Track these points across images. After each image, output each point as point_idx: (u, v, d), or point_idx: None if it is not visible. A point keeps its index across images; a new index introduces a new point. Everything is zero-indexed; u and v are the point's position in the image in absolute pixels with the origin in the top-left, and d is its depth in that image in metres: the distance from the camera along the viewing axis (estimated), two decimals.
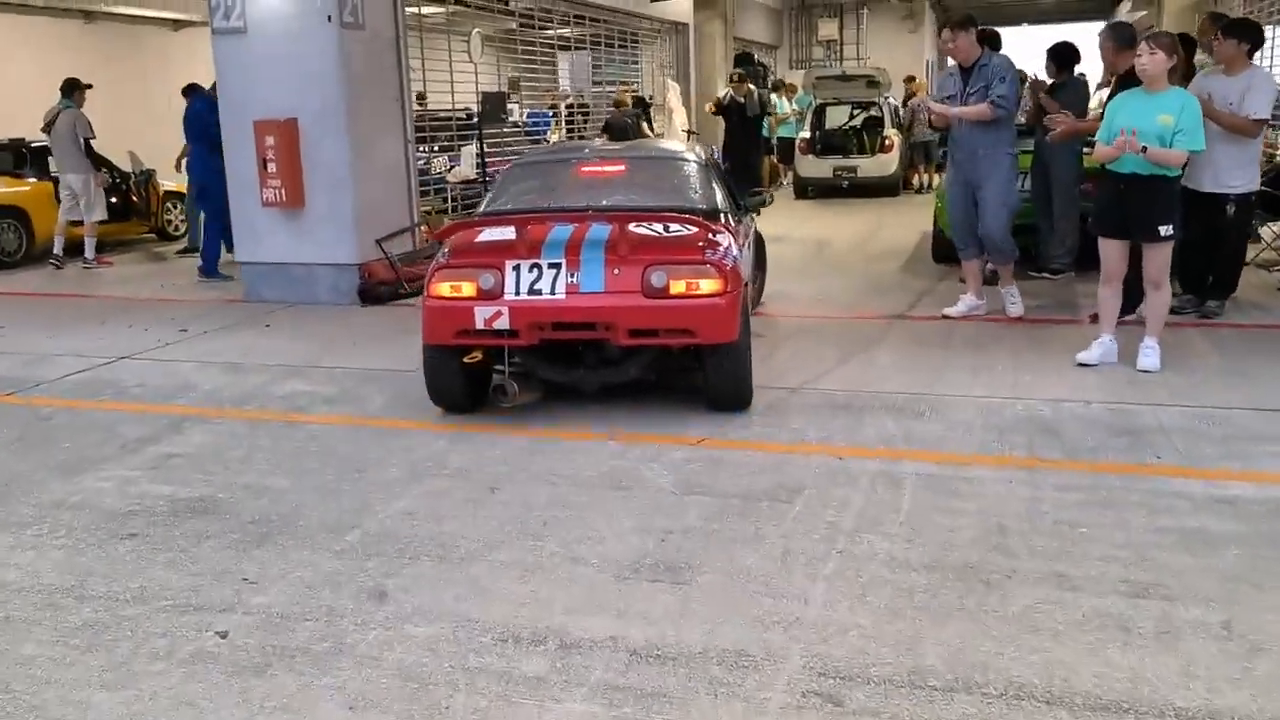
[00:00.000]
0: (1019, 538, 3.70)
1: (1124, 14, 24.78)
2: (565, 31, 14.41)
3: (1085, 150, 8.30)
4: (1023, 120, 9.45)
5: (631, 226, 5.10)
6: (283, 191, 8.49)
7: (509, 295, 4.93)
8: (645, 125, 14.33)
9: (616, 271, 4.93)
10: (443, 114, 12.25)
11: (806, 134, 16.24)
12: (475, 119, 11.49)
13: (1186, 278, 7.23)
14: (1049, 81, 8.72)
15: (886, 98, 16.96)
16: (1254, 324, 6.88)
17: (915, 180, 17.03)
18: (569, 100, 16.77)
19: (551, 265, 4.95)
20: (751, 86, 14.79)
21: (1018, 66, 7.19)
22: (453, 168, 11.70)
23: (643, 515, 4.00)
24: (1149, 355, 5.75)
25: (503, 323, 4.91)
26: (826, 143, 16.34)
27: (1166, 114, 5.51)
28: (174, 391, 6.06)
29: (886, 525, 3.84)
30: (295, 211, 8.62)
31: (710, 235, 5.25)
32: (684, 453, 4.73)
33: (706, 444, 4.85)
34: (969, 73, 6.88)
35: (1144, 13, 18.75)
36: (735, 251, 5.29)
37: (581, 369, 5.28)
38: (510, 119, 12.26)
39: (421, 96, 12.20)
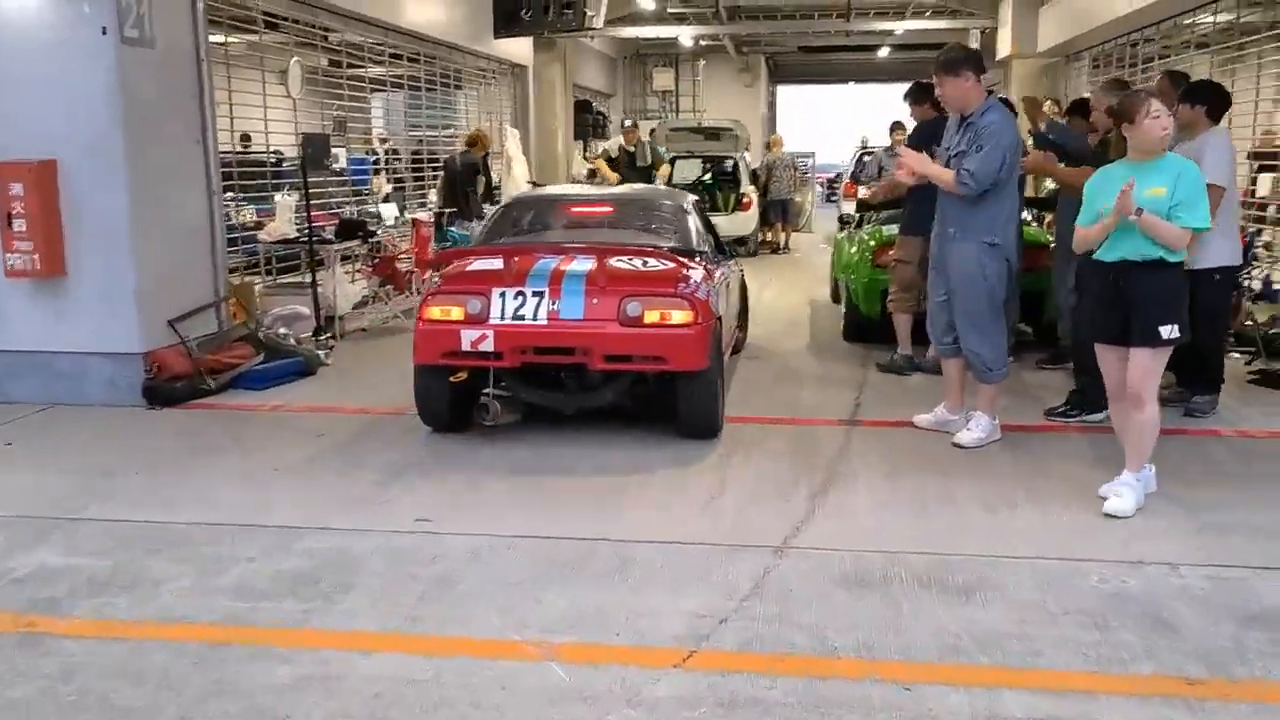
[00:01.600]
0: None
1: None
2: (386, 70, 12.58)
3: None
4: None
5: (612, 261, 5.57)
6: (36, 257, 6.36)
7: (494, 319, 5.31)
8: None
9: (595, 301, 5.30)
10: (252, 158, 10.23)
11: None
12: (292, 163, 9.55)
13: (1181, 366, 6.26)
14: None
15: (743, 153, 16.02)
16: (1268, 431, 5.88)
17: (772, 238, 16.13)
18: (388, 144, 14.94)
19: (535, 293, 5.33)
20: (642, 138, 13.44)
21: (1019, 135, 5.74)
22: (263, 223, 9.68)
23: None
24: (1123, 496, 4.45)
25: (487, 345, 5.30)
26: None
27: (1158, 186, 4.35)
28: None
29: None
30: (54, 283, 6.49)
31: (684, 271, 5.66)
32: (666, 684, 3.12)
33: (696, 661, 3.26)
34: (967, 124, 5.60)
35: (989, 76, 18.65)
36: (707, 287, 5.68)
37: (561, 393, 5.64)
38: (335, 165, 10.37)
39: (246, 138, 10.13)
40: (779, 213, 15.80)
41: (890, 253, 7.57)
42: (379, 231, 9.69)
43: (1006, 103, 6.64)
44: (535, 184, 15.08)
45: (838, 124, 25.70)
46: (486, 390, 5.52)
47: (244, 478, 5.15)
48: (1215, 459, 5.33)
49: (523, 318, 5.30)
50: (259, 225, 9.51)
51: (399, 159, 13.58)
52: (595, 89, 21.85)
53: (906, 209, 7.35)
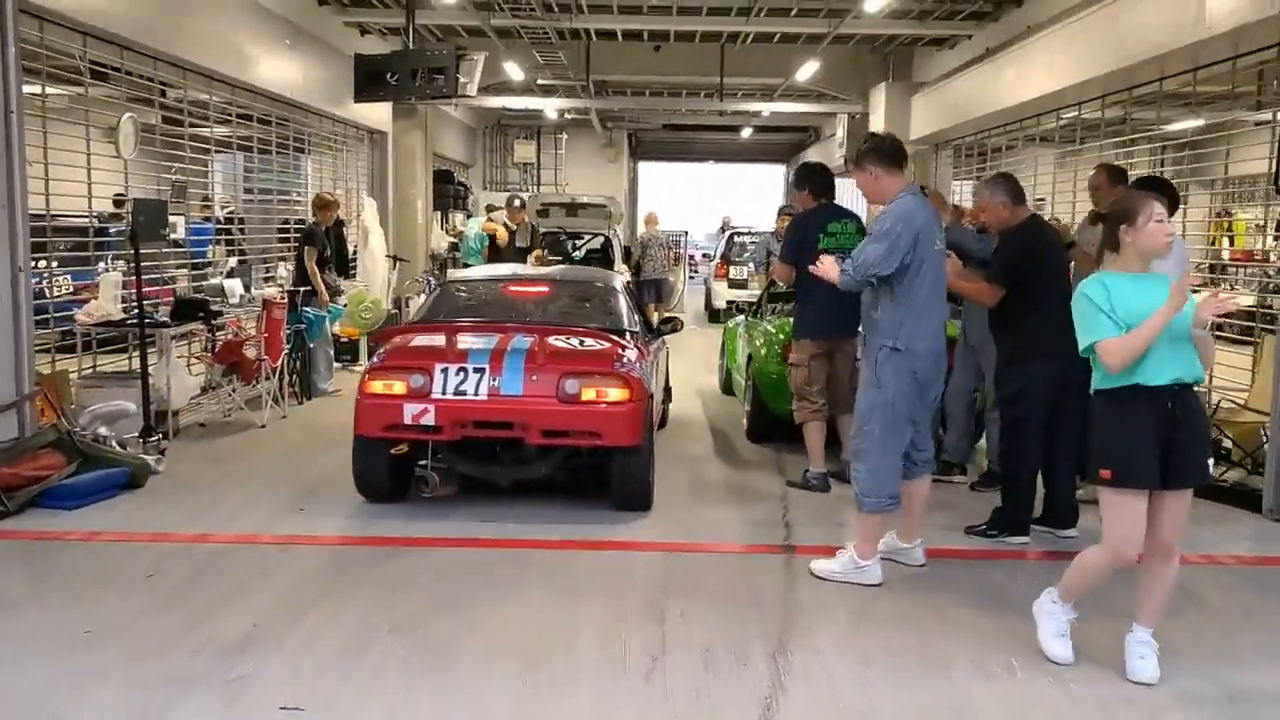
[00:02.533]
0: None
1: (809, 159, 25.49)
2: (233, 130, 11.35)
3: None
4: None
5: (550, 339, 5.74)
6: None
7: (436, 394, 5.46)
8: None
9: (534, 378, 5.49)
10: (72, 224, 8.89)
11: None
12: (117, 231, 8.27)
13: None
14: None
15: (615, 230, 15.42)
16: (1233, 556, 5.43)
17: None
18: (229, 210, 13.60)
19: (476, 369, 5.51)
20: (526, 217, 12.53)
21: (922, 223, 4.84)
22: (83, 296, 8.34)
23: None
24: (1147, 659, 3.77)
25: (428, 419, 5.43)
26: None
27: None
28: None
29: None
30: None
31: (619, 350, 5.94)
32: None
33: None
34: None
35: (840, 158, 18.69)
36: (640, 365, 5.93)
37: (498, 465, 5.78)
38: (173, 234, 9.11)
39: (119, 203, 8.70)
40: (652, 293, 15.21)
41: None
42: (223, 311, 8.48)
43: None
44: (397, 258, 14.06)
45: (697, 202, 25.59)
46: (422, 462, 5.74)
47: (42, 648, 3.94)
48: (1198, 593, 4.79)
49: (464, 393, 5.48)
50: (78, 298, 8.17)
51: (242, 227, 12.27)
52: (455, 159, 20.99)
53: (796, 309, 6.76)
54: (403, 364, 5.67)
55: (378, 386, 5.60)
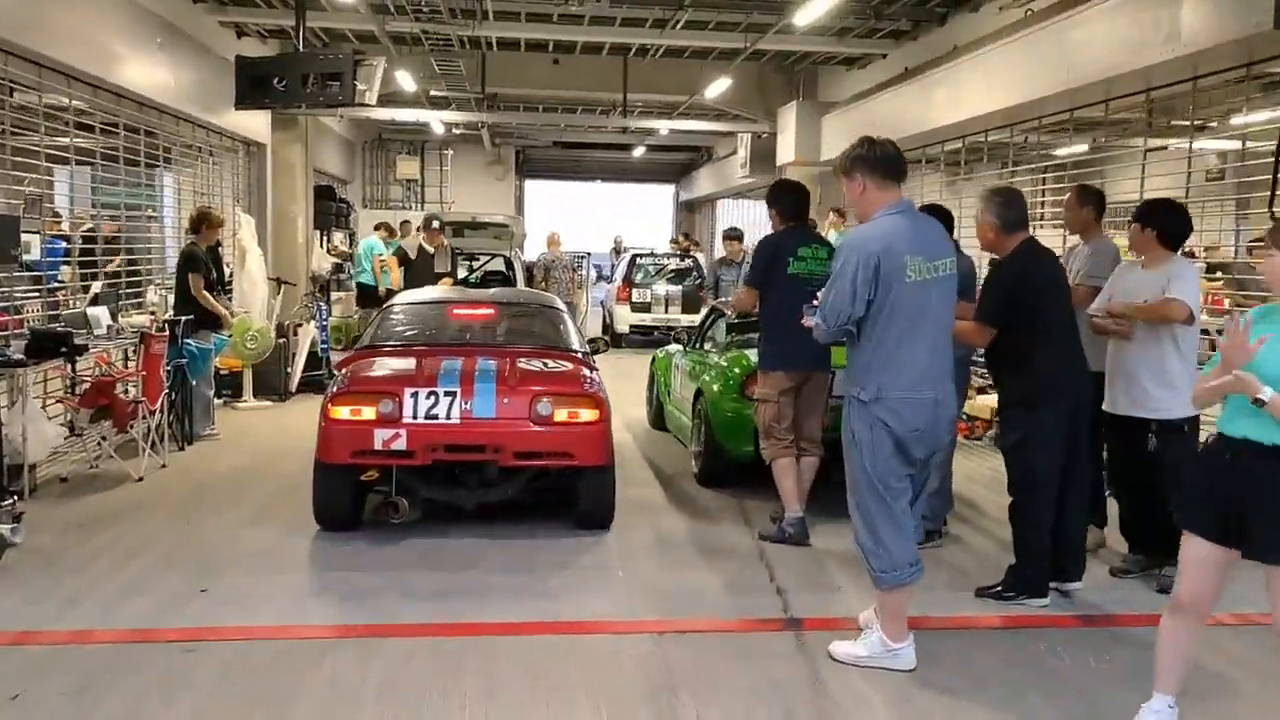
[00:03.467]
0: None
1: (701, 180, 25.14)
2: (97, 138, 10.06)
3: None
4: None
5: (516, 361, 5.89)
6: None
7: (407, 419, 5.41)
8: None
9: (506, 400, 5.51)
10: None
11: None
12: None
13: (1135, 528, 5.33)
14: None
15: (517, 251, 14.57)
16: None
17: None
18: (87, 228, 12.16)
19: (447, 393, 5.47)
20: (444, 240, 11.51)
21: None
22: None
23: None
24: None
25: (400, 444, 5.38)
26: None
27: None
28: None
29: None
30: None
31: (583, 370, 6.12)
32: None
33: None
34: None
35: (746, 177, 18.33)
36: (602, 384, 6.02)
37: (463, 489, 5.70)
38: (25, 255, 7.84)
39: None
40: None
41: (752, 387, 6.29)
42: (88, 345, 7.28)
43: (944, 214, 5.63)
44: (281, 280, 12.84)
45: (583, 222, 24.86)
46: (380, 488, 5.72)
47: None
48: (1237, 656, 4.29)
49: (435, 417, 5.42)
50: None
51: (111, 246, 10.88)
52: (333, 174, 19.74)
53: (762, 339, 6.13)
54: (370, 388, 5.56)
55: (344, 412, 5.46)
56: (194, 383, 8.29)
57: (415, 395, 5.45)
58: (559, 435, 5.54)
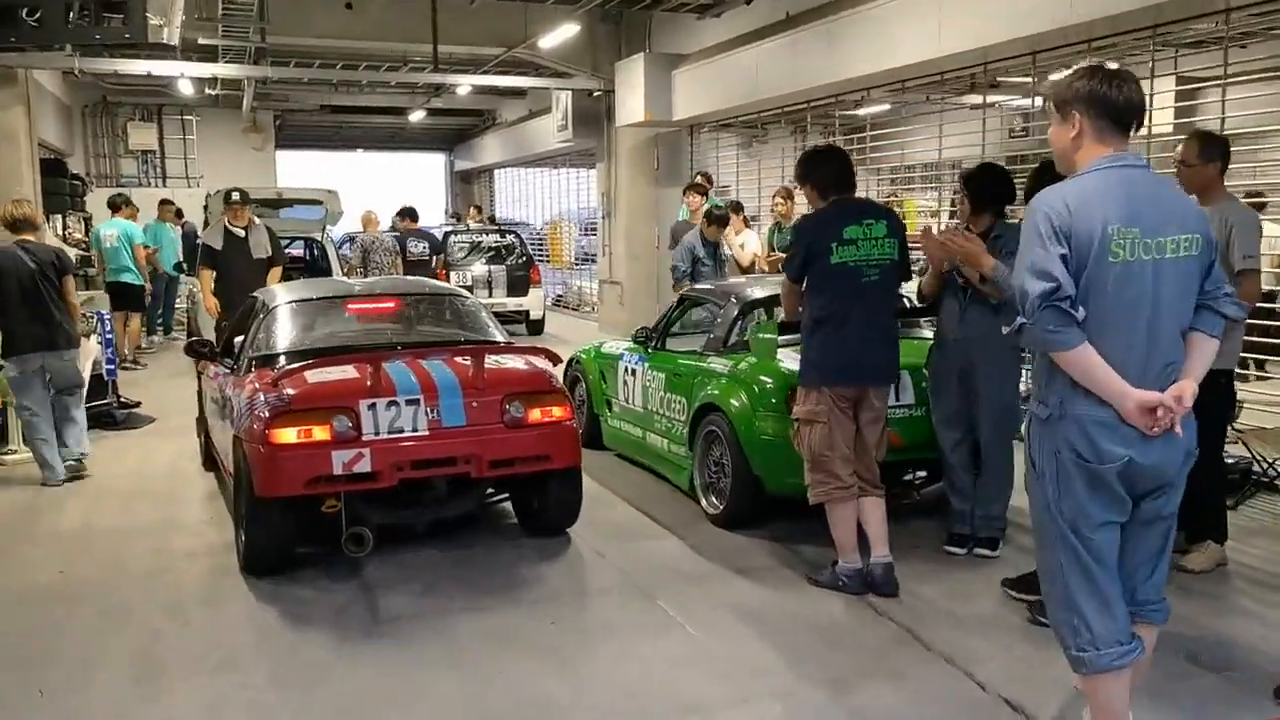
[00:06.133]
0: None
1: (486, 147, 23.01)
2: None
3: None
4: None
5: (466, 359, 5.20)
6: None
7: (368, 435, 4.74)
8: None
9: (475, 404, 4.93)
10: None
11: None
12: None
13: None
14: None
15: (327, 230, 12.15)
16: None
17: None
18: None
19: (410, 401, 4.83)
20: (255, 218, 8.87)
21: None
22: None
23: None
24: None
25: (364, 465, 4.70)
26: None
27: None
28: None
29: None
30: None
31: (537, 362, 5.43)
32: None
33: None
34: None
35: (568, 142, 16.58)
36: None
37: (415, 508, 5.08)
38: None
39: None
40: None
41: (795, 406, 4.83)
42: None
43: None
44: None
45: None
46: (333, 507, 4.86)
47: None
48: None
49: (400, 430, 4.80)
50: None
51: None
52: (50, 144, 16.08)
53: (805, 344, 4.71)
54: (317, 404, 4.79)
55: (291, 434, 4.70)
56: None
57: (373, 407, 4.75)
58: (534, 438, 5.03)
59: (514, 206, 23.78)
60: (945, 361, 5.02)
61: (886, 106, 11.76)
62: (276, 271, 8.63)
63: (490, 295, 14.37)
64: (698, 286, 7.28)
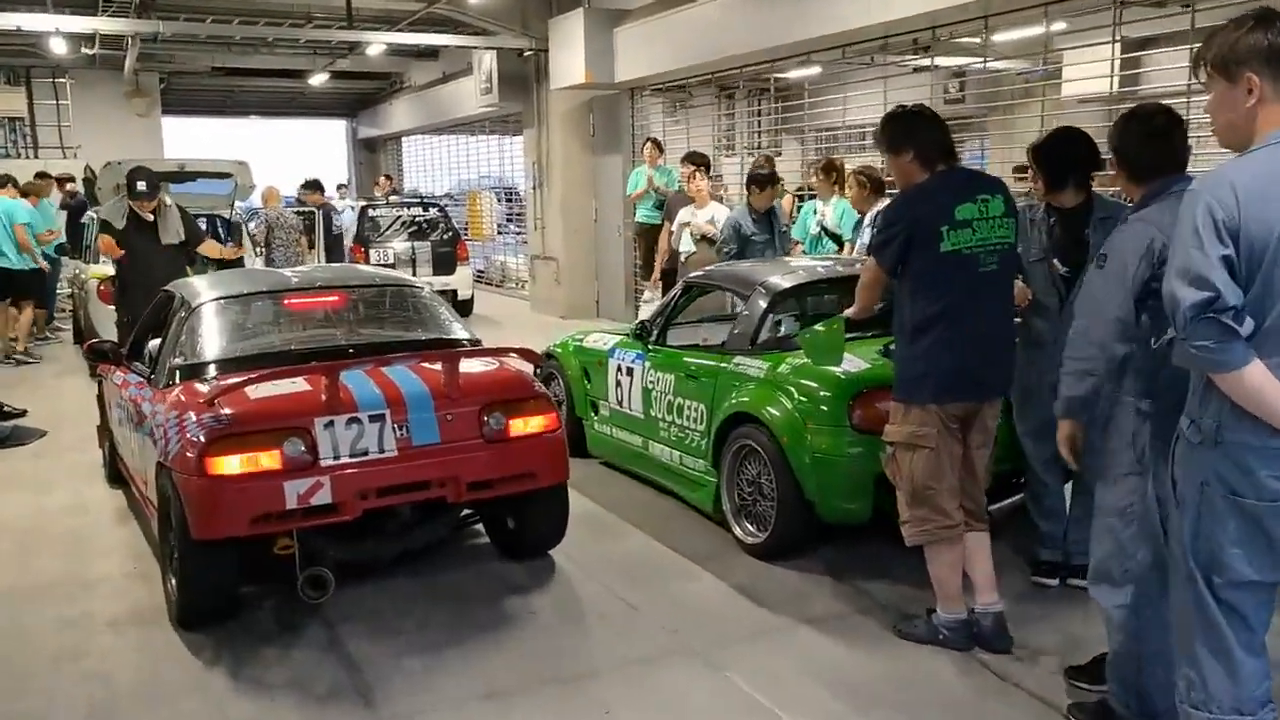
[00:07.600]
0: None
1: (394, 113, 21.55)
2: None
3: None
4: None
5: (437, 364, 4.43)
6: None
7: (326, 460, 3.98)
8: None
9: (449, 417, 4.25)
10: None
11: (107, 267, 9.06)
12: None
13: None
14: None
15: (235, 206, 10.83)
16: None
17: None
18: None
19: (373, 417, 4.10)
20: (167, 199, 7.59)
21: None
22: None
23: None
24: None
25: (323, 496, 3.94)
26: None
27: None
28: None
29: None
30: None
31: (514, 364, 4.80)
32: None
33: None
34: None
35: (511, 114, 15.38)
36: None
37: (376, 539, 4.32)
38: None
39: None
40: None
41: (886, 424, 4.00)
42: None
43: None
44: None
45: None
46: (283, 548, 4.08)
47: None
48: None
49: (365, 452, 4.05)
50: None
51: None
52: None
53: (900, 350, 3.88)
54: (262, 425, 4.01)
55: (232, 463, 3.90)
56: None
57: (331, 426, 4.01)
58: (518, 453, 4.38)
59: (424, 176, 22.40)
60: (1038, 366, 4.24)
61: (819, 69, 11.15)
62: (212, 245, 7.57)
63: (414, 274, 13.20)
64: (710, 270, 6.31)
